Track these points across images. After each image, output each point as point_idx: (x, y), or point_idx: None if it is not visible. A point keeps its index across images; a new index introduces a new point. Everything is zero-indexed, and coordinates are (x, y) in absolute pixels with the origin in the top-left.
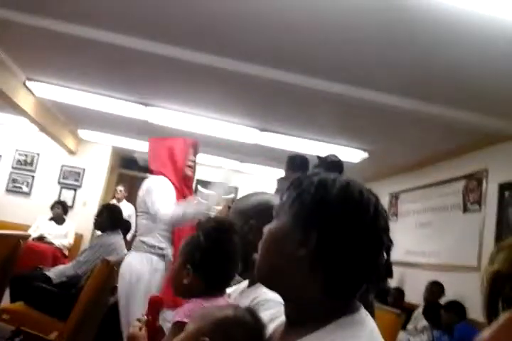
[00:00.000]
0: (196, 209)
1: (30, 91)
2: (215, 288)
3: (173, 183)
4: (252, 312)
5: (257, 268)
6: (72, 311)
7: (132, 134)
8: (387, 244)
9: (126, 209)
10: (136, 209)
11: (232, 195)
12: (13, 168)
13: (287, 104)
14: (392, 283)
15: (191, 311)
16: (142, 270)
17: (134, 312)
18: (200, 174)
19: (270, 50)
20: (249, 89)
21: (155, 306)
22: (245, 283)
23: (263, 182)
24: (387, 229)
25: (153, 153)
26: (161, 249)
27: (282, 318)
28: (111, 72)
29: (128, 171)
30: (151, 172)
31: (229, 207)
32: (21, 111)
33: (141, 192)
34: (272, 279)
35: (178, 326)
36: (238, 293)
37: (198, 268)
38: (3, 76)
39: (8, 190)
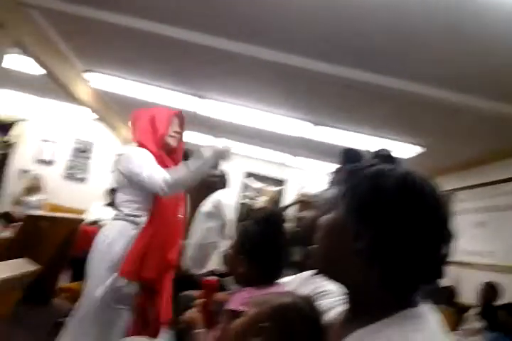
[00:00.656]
0: (195, 168)
1: (88, 82)
2: (270, 276)
3: (153, 153)
4: (309, 301)
5: (315, 260)
6: None
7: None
8: (448, 237)
9: None
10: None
11: (278, 188)
12: (70, 155)
13: (342, 98)
14: (446, 282)
15: (245, 300)
16: (115, 236)
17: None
18: (251, 167)
19: (324, 43)
20: (303, 83)
21: (209, 290)
22: (308, 272)
23: (313, 176)
24: (448, 221)
25: (134, 124)
26: (137, 216)
27: (341, 308)
28: (165, 64)
29: None
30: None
31: (273, 199)
32: (79, 101)
33: (120, 166)
34: (329, 272)
35: (232, 314)
36: (300, 281)
37: (253, 257)
38: (63, 67)
39: (65, 176)
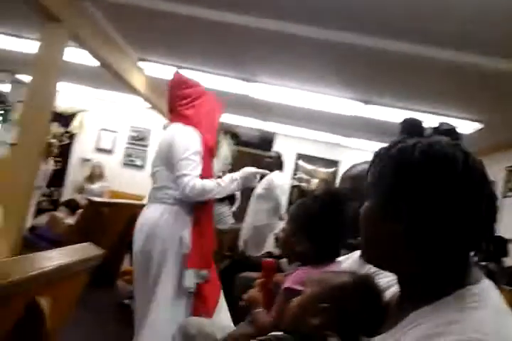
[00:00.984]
0: (226, 188)
1: (142, 70)
2: (328, 255)
3: (204, 143)
4: (369, 279)
5: (361, 247)
6: None
7: (234, 110)
8: (489, 202)
9: None
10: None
11: (332, 169)
12: (127, 143)
13: (392, 74)
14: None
15: (302, 278)
16: (173, 223)
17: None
18: (303, 148)
19: (375, 18)
20: (352, 61)
21: (268, 270)
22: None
23: (366, 156)
24: (484, 186)
25: (194, 99)
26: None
27: (397, 287)
28: (216, 50)
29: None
30: (176, 112)
31: (325, 180)
32: (134, 90)
33: (166, 142)
34: (377, 261)
35: (288, 292)
36: (354, 260)
37: (312, 235)
38: (118, 57)
39: (124, 164)
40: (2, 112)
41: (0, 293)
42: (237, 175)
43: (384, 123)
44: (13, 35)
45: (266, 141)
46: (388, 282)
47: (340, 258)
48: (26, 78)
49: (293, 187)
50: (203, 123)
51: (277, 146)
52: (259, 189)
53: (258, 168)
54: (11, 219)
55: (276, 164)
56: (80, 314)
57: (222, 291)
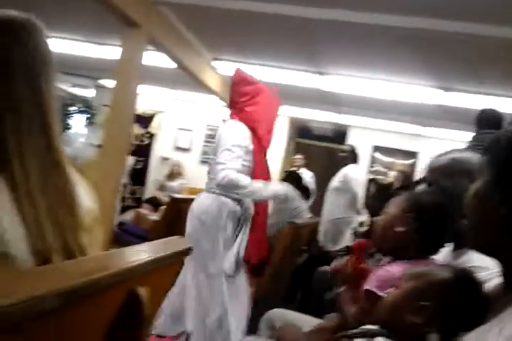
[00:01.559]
0: (258, 194)
1: (216, 69)
2: (430, 250)
3: (256, 138)
4: (470, 273)
5: (467, 237)
6: (266, 269)
7: (307, 104)
8: None
9: (306, 176)
10: (216, 153)
11: (411, 161)
12: (204, 141)
13: (473, 59)
14: None
15: (381, 281)
16: (217, 212)
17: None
18: (379, 140)
19: (453, 2)
20: (429, 47)
21: (360, 249)
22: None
23: (446, 145)
24: None
25: (255, 96)
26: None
27: (496, 280)
28: (287, 45)
29: (304, 140)
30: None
31: (402, 172)
32: (209, 89)
33: (219, 136)
34: (481, 246)
35: (369, 294)
36: (444, 253)
37: (423, 227)
38: (193, 58)
39: (201, 161)
40: (88, 116)
41: (102, 284)
42: (276, 188)
43: (466, 111)
44: (94, 43)
45: (339, 134)
46: (486, 275)
47: (434, 256)
48: (108, 83)
49: (370, 180)
50: (262, 122)
51: (352, 139)
52: (334, 182)
53: (333, 162)
54: (100, 216)
55: (351, 157)
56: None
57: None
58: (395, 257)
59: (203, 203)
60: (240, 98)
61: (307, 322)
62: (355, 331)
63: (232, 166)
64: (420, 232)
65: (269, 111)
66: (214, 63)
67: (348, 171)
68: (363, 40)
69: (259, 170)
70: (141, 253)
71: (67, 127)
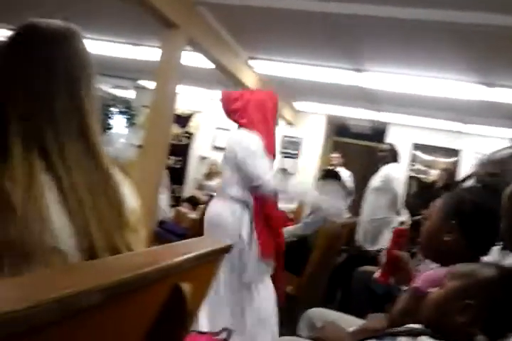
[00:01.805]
0: (298, 194)
1: (252, 68)
2: (478, 252)
3: (263, 140)
4: None
5: (502, 233)
6: (305, 268)
7: (345, 101)
8: None
9: (344, 175)
10: (228, 160)
11: (453, 159)
12: None
13: None
14: None
15: (432, 279)
16: (227, 218)
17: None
18: (420, 138)
19: None
20: (471, 42)
21: (399, 235)
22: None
23: (489, 143)
24: None
25: (241, 107)
26: (244, 200)
27: None
28: (324, 42)
29: (341, 138)
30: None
31: (446, 171)
32: (245, 88)
33: (230, 147)
34: None
35: (416, 292)
36: (493, 252)
37: (470, 231)
38: (230, 57)
39: None
40: (128, 117)
41: (147, 279)
42: (313, 197)
43: (510, 107)
44: (134, 44)
45: (378, 133)
46: None
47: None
48: (148, 84)
49: (410, 179)
50: (259, 127)
51: (391, 137)
52: (375, 182)
53: (371, 160)
54: (142, 215)
55: (391, 156)
56: None
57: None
58: (442, 264)
59: (214, 211)
60: (234, 116)
61: (347, 321)
62: (399, 329)
63: (271, 174)
64: (467, 238)
65: (264, 114)
66: (251, 62)
67: (389, 170)
68: (403, 36)
69: None
70: (184, 249)
71: (108, 128)
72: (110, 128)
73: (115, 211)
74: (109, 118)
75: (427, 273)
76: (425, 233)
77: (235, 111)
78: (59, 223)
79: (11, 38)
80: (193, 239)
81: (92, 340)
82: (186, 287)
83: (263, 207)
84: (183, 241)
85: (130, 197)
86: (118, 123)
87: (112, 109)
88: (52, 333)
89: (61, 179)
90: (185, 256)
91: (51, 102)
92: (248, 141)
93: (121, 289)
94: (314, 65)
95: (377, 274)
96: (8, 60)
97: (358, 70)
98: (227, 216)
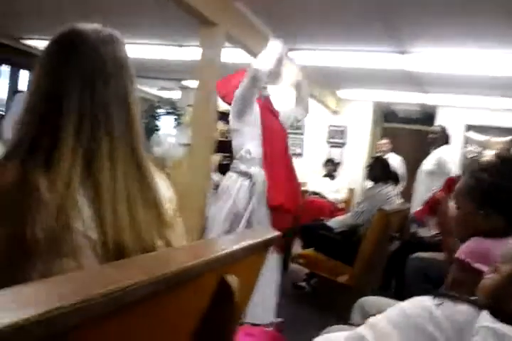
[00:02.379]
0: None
1: (292, 60)
2: None
3: None
4: None
5: None
6: (357, 257)
7: (390, 86)
8: None
9: (394, 161)
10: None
11: (509, 138)
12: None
13: None
14: None
15: (473, 250)
16: (229, 187)
17: (218, 221)
18: (472, 118)
19: None
20: None
21: (448, 183)
22: None
23: None
24: None
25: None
26: (246, 170)
27: None
28: (363, 26)
29: (390, 124)
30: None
31: (503, 151)
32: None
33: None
34: None
35: (461, 264)
36: None
37: (504, 207)
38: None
39: None
40: (175, 117)
41: (195, 271)
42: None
43: None
44: (176, 46)
45: (427, 116)
46: None
47: None
48: (191, 83)
49: (464, 161)
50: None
51: (441, 119)
52: (427, 165)
53: (422, 144)
54: (191, 213)
55: (442, 138)
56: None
57: None
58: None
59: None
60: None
61: None
62: (464, 296)
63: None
64: (504, 213)
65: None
66: (290, 54)
67: (442, 153)
68: (448, 12)
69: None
70: (229, 242)
71: (156, 129)
72: (158, 130)
73: (154, 212)
74: (157, 119)
75: (470, 244)
76: (460, 223)
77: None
78: (89, 215)
79: (55, 49)
80: (239, 232)
81: (143, 332)
82: (233, 279)
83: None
84: (230, 234)
85: (167, 197)
86: (166, 124)
87: (159, 110)
88: (106, 325)
89: (102, 183)
90: (231, 249)
91: (108, 114)
92: None
93: (169, 282)
94: (356, 51)
95: (415, 211)
96: (56, 70)
97: (402, 52)
98: (231, 183)
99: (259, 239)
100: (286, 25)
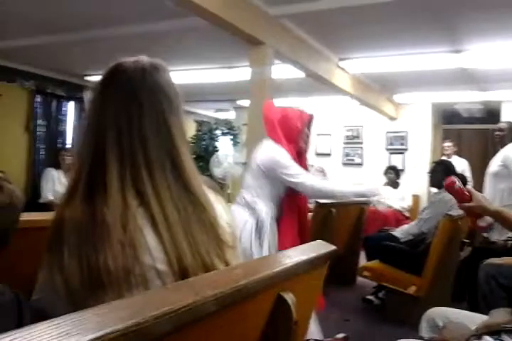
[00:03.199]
0: (345, 192)
1: (344, 70)
2: None
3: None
4: None
5: None
6: (425, 266)
7: (448, 86)
8: None
9: (459, 164)
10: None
11: None
12: (343, 143)
13: None
14: None
15: None
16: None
17: None
18: None
19: None
20: None
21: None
22: None
23: None
24: None
25: (267, 118)
26: (253, 206)
27: None
28: (413, 27)
29: (452, 125)
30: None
31: None
32: (340, 90)
33: (262, 156)
34: None
35: None
36: None
37: None
38: (320, 62)
39: (343, 164)
40: (232, 137)
41: (250, 289)
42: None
43: None
44: (228, 68)
45: (491, 113)
46: None
47: None
48: (245, 102)
49: None
50: (283, 140)
51: (507, 115)
52: (493, 166)
53: (488, 144)
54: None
55: (510, 135)
56: (328, 310)
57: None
58: None
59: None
60: (265, 126)
61: (473, 319)
62: None
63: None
64: None
65: (288, 131)
66: (341, 63)
67: (509, 152)
68: (504, 3)
69: None
70: (285, 259)
71: (215, 150)
72: (217, 150)
73: (211, 234)
74: (215, 140)
75: None
76: None
77: (267, 123)
78: (154, 245)
79: (99, 83)
80: (296, 247)
81: None
82: (289, 296)
83: (294, 200)
84: (288, 249)
85: (224, 216)
86: (224, 144)
87: (216, 131)
88: (172, 339)
89: (154, 211)
90: (286, 265)
91: (144, 140)
92: (274, 152)
93: (223, 302)
94: (409, 54)
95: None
96: (100, 103)
97: (458, 51)
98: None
99: (316, 254)
100: (334, 35)
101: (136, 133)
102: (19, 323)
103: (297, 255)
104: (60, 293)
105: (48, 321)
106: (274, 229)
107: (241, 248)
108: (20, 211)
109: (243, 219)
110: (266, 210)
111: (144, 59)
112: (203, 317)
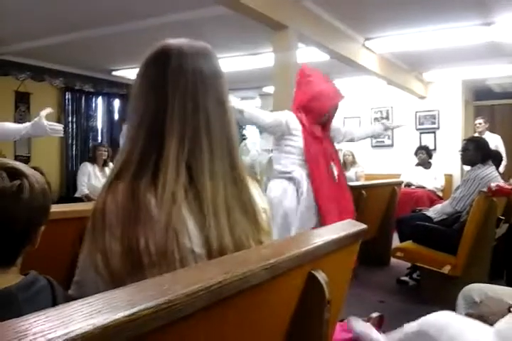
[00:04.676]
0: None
1: (370, 49)
2: None
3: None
4: None
5: None
6: (460, 245)
7: (479, 61)
8: None
9: (492, 140)
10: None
11: None
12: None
13: None
14: None
15: None
16: (274, 194)
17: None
18: None
19: None
20: None
21: None
22: None
23: None
24: None
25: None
26: (289, 172)
27: None
28: (445, 1)
29: (484, 102)
30: None
31: None
32: (367, 71)
33: None
34: None
35: None
36: None
37: None
38: (345, 44)
39: (373, 146)
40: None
41: (281, 267)
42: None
43: None
44: (251, 55)
45: None
46: None
47: None
48: (270, 89)
49: None
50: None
51: None
52: None
53: None
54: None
55: None
56: (361, 292)
57: None
58: None
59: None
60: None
61: (507, 294)
62: None
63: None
64: None
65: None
66: (367, 43)
67: None
68: None
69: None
70: (316, 237)
71: (243, 138)
72: (245, 138)
73: (251, 219)
74: (243, 128)
75: None
76: None
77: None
78: (194, 230)
79: (153, 59)
80: (327, 227)
81: (232, 331)
82: (321, 275)
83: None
84: (318, 228)
85: (261, 203)
86: (251, 132)
87: None
88: (193, 325)
89: (203, 196)
90: (316, 244)
91: (207, 116)
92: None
93: (253, 280)
94: (438, 30)
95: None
96: (151, 80)
97: (488, 24)
98: (276, 191)
99: (346, 233)
100: (358, 14)
101: (202, 117)
102: (53, 305)
103: (327, 233)
104: (102, 273)
105: (81, 300)
106: (310, 189)
107: (284, 214)
108: (44, 206)
109: (282, 188)
110: (299, 172)
111: (196, 42)
112: (234, 295)
